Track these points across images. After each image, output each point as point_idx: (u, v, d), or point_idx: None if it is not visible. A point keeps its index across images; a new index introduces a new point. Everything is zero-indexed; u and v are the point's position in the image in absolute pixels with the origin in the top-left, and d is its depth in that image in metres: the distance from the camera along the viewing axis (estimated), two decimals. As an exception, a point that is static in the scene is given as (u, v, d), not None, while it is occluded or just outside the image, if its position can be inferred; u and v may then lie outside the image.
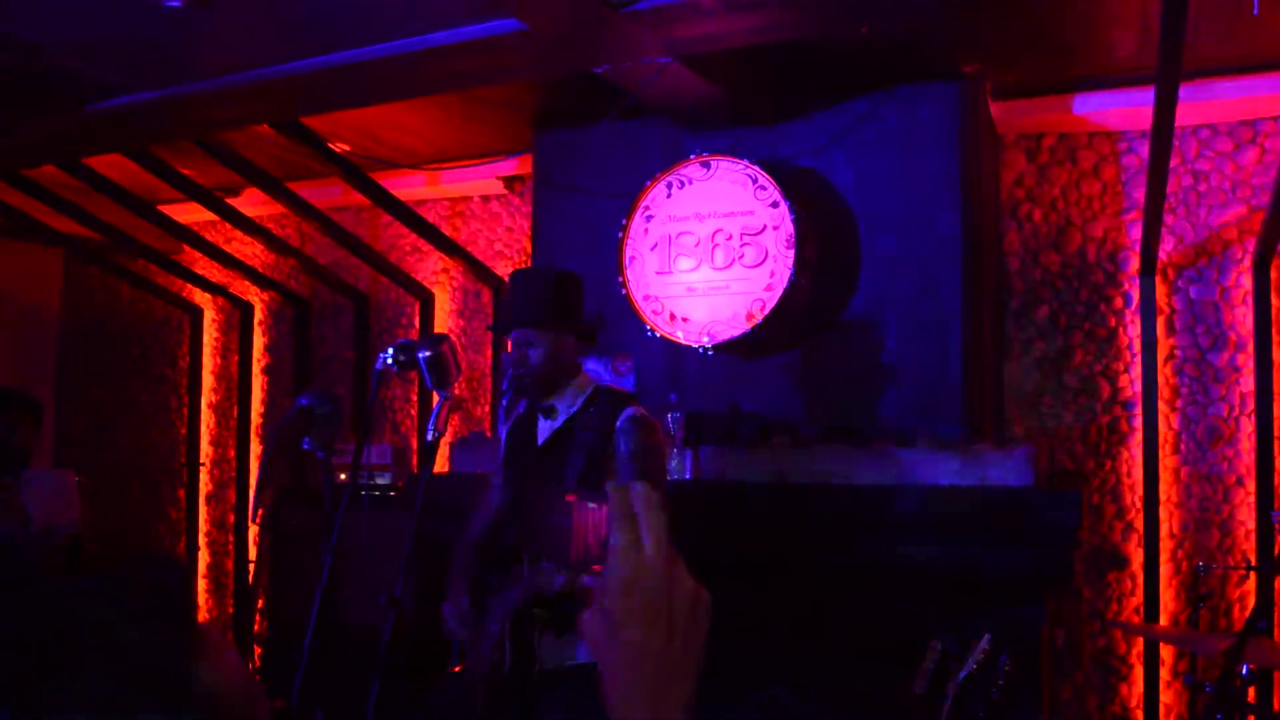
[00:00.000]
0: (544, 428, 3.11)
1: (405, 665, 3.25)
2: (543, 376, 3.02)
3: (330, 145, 4.99)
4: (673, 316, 4.43)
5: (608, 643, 0.95)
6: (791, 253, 4.15)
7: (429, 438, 2.76)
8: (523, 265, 5.72)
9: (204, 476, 6.71)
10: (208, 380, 6.77)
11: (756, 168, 4.23)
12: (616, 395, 3.06)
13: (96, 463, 6.88)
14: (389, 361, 2.73)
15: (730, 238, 4.32)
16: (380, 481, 5.14)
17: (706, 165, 4.38)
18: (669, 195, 4.47)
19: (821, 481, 3.87)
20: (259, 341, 6.58)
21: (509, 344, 3.14)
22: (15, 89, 4.46)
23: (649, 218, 4.52)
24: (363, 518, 3.60)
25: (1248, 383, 4.29)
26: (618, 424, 2.96)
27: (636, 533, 0.97)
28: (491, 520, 3.23)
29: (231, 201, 5.83)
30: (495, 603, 2.93)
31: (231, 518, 6.56)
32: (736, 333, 4.23)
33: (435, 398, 2.88)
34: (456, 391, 3.26)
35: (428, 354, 2.70)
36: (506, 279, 5.70)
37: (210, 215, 5.94)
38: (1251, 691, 3.41)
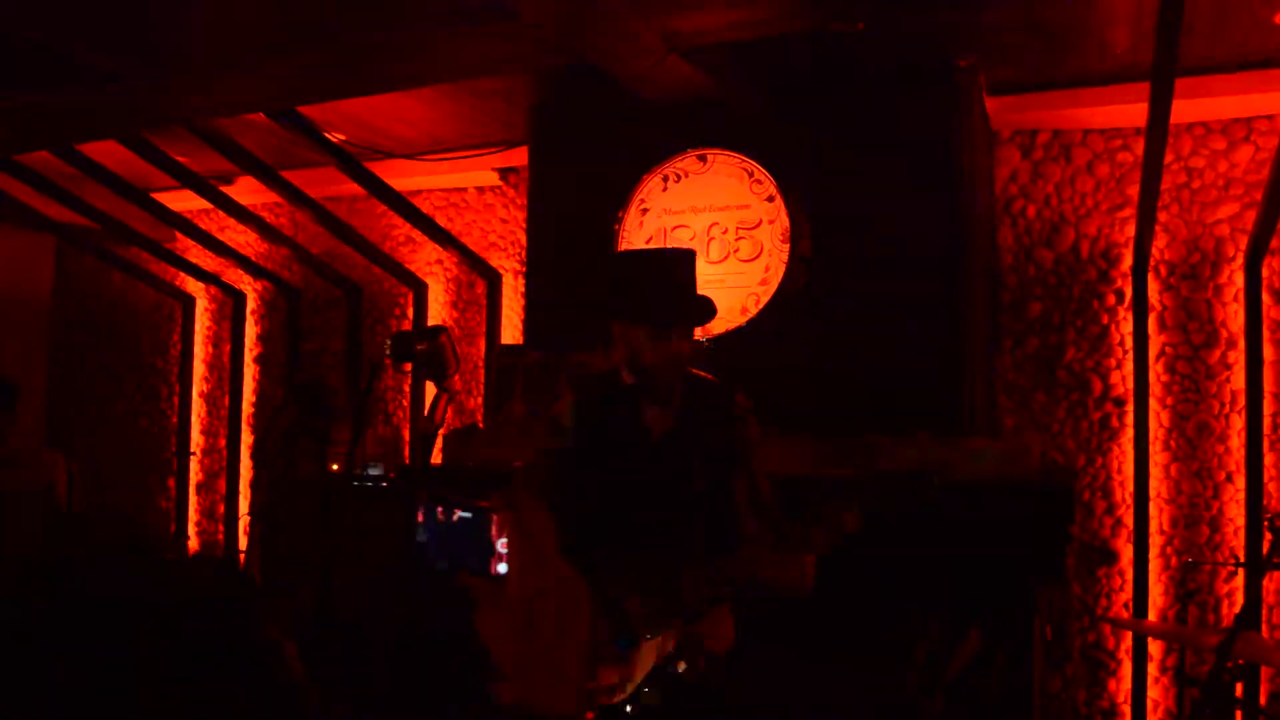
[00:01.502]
0: (653, 418, 2.74)
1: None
2: (685, 371, 2.73)
3: (326, 134, 4.98)
4: (667, 309, 4.42)
5: (513, 638, 0.98)
6: (787, 247, 4.16)
7: (426, 429, 2.75)
8: (517, 257, 5.72)
9: (194, 466, 6.70)
10: (199, 369, 6.76)
11: (753, 162, 4.24)
12: (711, 381, 2.79)
13: (86, 451, 6.86)
14: (387, 354, 2.73)
15: (726, 231, 4.33)
16: (372, 472, 5.13)
17: (703, 159, 4.38)
18: (665, 188, 4.48)
19: (812, 474, 3.87)
20: (251, 331, 6.56)
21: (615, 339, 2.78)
22: (8, 73, 4.44)
23: (644, 211, 4.52)
24: (356, 508, 3.60)
25: (1238, 380, 4.32)
26: (734, 415, 2.74)
27: (538, 551, 1.00)
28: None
29: (225, 190, 5.81)
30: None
31: (221, 508, 6.55)
32: (732, 326, 4.23)
33: (431, 389, 2.88)
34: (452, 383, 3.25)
35: (426, 346, 2.70)
36: (502, 272, 5.73)
37: (203, 203, 5.92)
38: (1239, 687, 3.44)
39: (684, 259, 2.80)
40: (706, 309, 2.74)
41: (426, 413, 2.73)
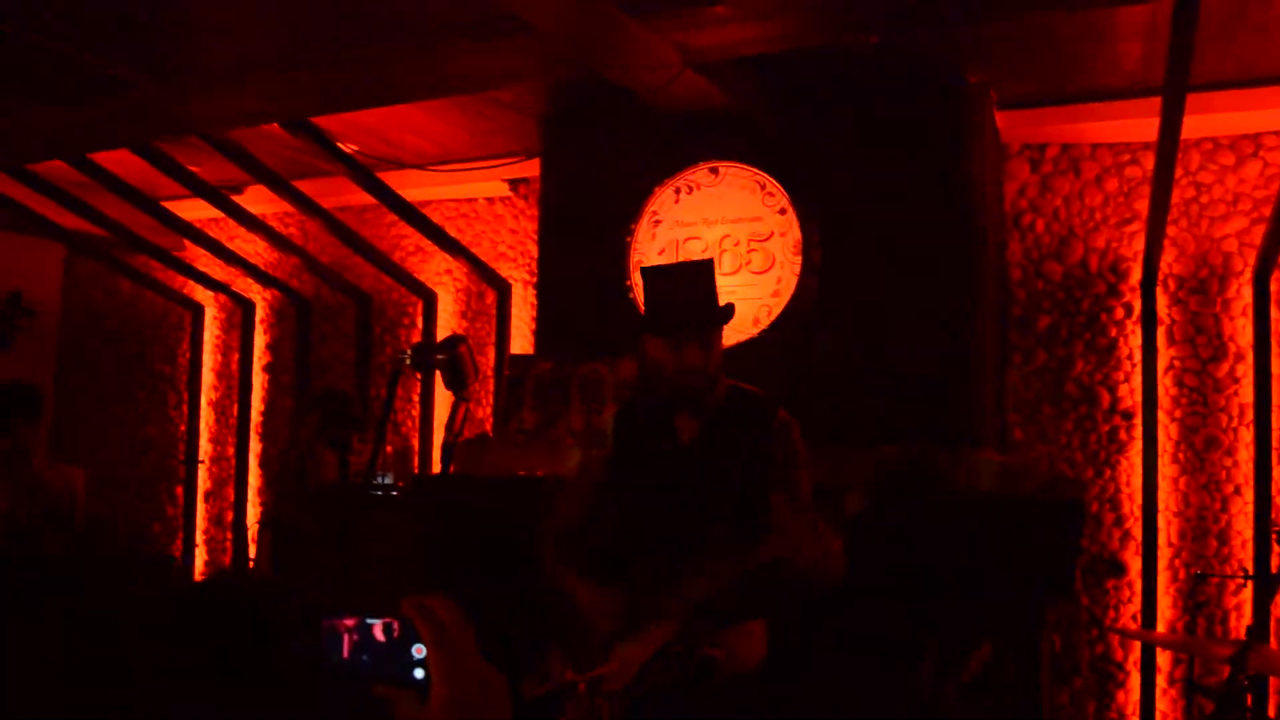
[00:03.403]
0: (685, 427, 2.81)
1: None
2: (713, 380, 2.78)
3: (338, 144, 5.01)
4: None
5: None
6: (799, 259, 4.19)
7: (446, 439, 2.78)
8: (526, 267, 5.74)
9: (202, 474, 6.71)
10: (208, 378, 6.77)
11: (765, 174, 4.27)
12: (751, 391, 2.85)
13: (94, 459, 6.87)
14: (407, 362, 2.75)
15: (738, 244, 4.36)
16: (383, 481, 5.15)
17: (715, 171, 4.41)
18: (677, 200, 4.50)
19: (821, 485, 3.89)
20: (260, 340, 6.59)
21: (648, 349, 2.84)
22: (23, 83, 4.47)
23: (657, 223, 4.55)
24: (368, 517, 3.62)
25: (1247, 394, 4.34)
26: (774, 425, 2.77)
27: (453, 652, 1.02)
28: (594, 516, 2.90)
29: (235, 198, 5.84)
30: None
31: (230, 516, 6.56)
32: (743, 337, 4.26)
33: (439, 399, 2.90)
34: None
35: (446, 356, 2.73)
36: (511, 282, 5.75)
37: (213, 212, 5.95)
38: (1249, 698, 3.45)
39: (696, 270, 2.89)
40: (711, 315, 2.79)
41: (447, 423, 2.75)
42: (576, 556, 2.85)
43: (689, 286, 2.82)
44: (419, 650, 1.08)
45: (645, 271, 2.85)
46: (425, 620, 1.03)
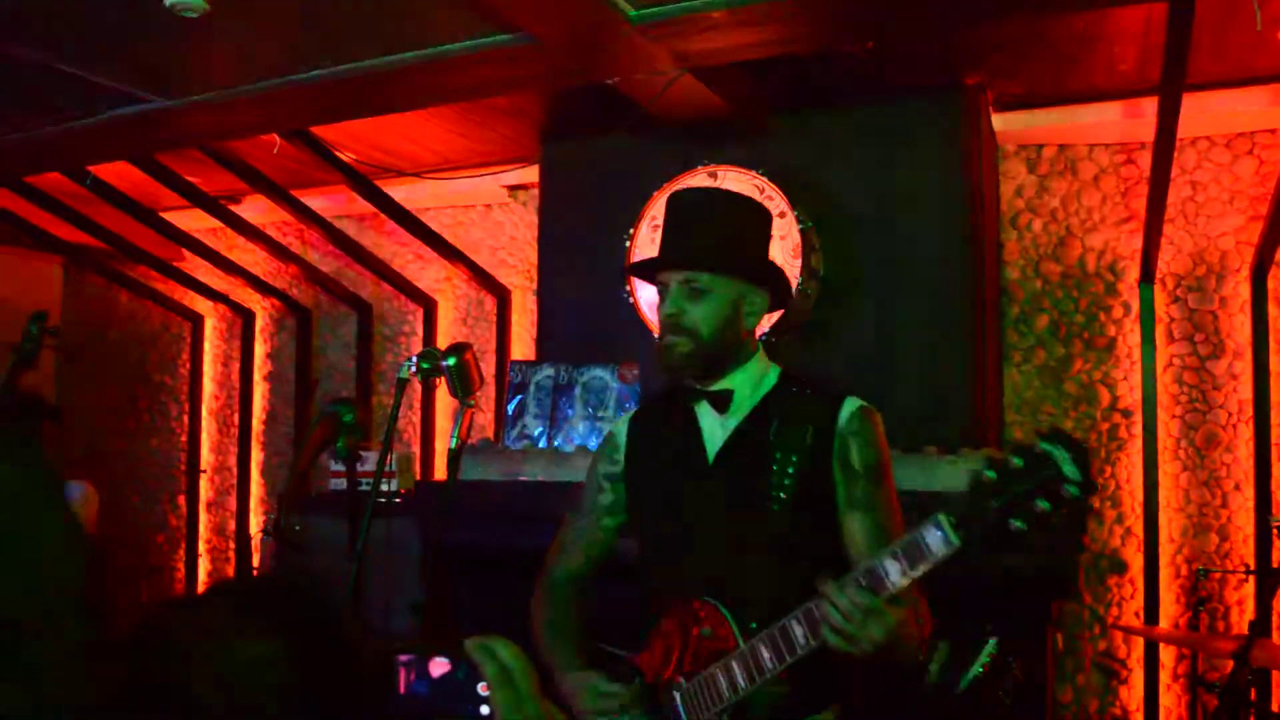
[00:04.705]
0: (714, 431, 2.17)
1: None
2: (711, 348, 2.09)
3: (337, 153, 5.02)
4: (679, 325, 4.47)
5: None
6: (799, 262, 4.20)
7: (452, 445, 2.78)
8: (526, 273, 5.76)
9: (204, 483, 6.72)
10: (209, 388, 6.79)
11: (764, 178, 4.28)
12: (815, 377, 2.21)
13: (95, 471, 6.88)
14: (413, 370, 2.76)
15: (737, 247, 4.37)
16: (385, 488, 5.16)
17: (713, 175, 4.43)
18: (676, 205, 4.52)
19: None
20: (260, 349, 6.60)
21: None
22: (23, 96, 4.48)
23: (655, 227, 4.55)
24: (375, 525, 3.62)
25: (1245, 390, 4.37)
26: (840, 420, 2.09)
27: (515, 691, 1.04)
28: (580, 571, 2.38)
29: (233, 208, 5.85)
30: (670, 693, 2.04)
31: (232, 525, 6.57)
32: (744, 341, 4.27)
33: (441, 406, 2.91)
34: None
35: (452, 363, 2.74)
36: (510, 288, 5.77)
37: (212, 222, 5.96)
38: (1253, 692, 3.47)
39: (720, 199, 2.23)
40: (712, 251, 2.08)
41: (453, 429, 2.76)
42: (555, 596, 2.36)
43: (702, 217, 2.14)
44: (484, 688, 1.09)
45: (669, 199, 2.23)
46: (488, 661, 1.05)
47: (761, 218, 2.21)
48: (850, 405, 2.12)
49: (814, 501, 2.06)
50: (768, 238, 2.22)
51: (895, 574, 1.75)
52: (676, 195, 2.23)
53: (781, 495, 2.02)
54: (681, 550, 2.15)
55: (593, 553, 2.38)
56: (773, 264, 2.24)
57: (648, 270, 2.21)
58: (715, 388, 2.15)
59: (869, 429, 2.11)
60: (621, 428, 2.36)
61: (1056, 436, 1.66)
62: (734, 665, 1.94)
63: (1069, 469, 1.63)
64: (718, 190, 2.34)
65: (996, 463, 1.68)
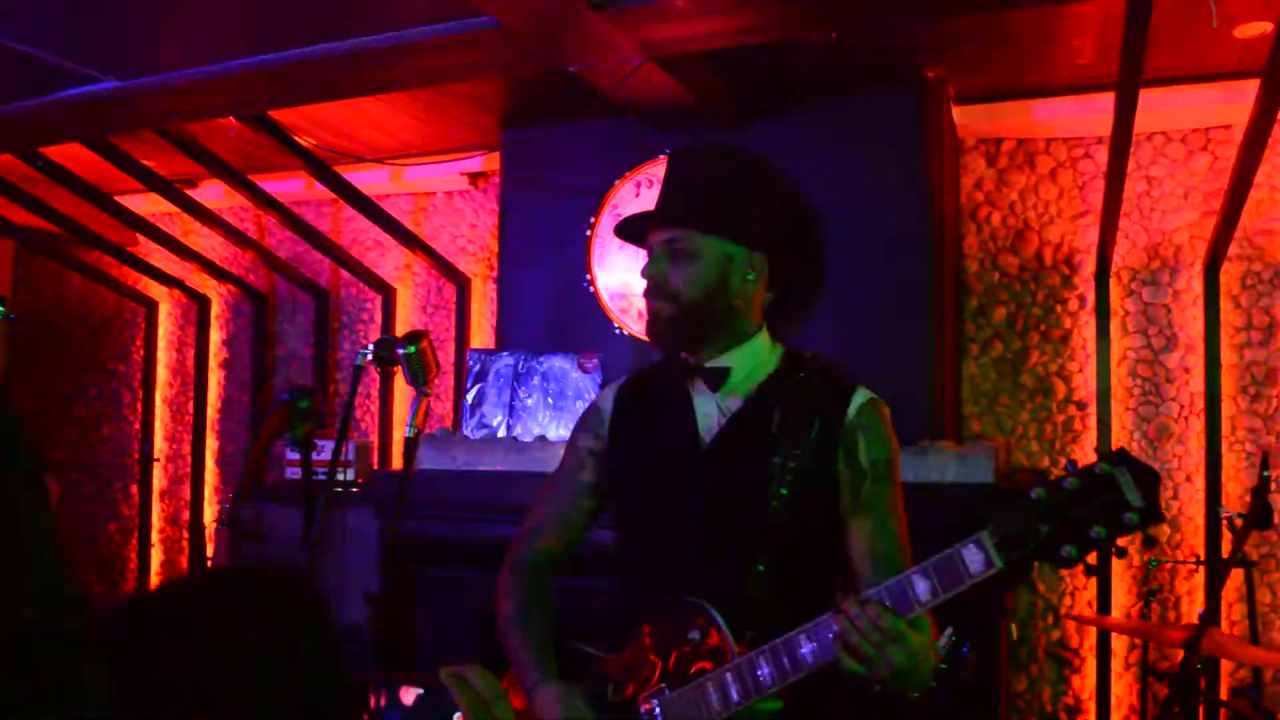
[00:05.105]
0: (709, 412, 1.97)
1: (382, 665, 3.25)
2: (696, 313, 1.92)
3: (295, 139, 4.96)
4: (640, 314, 4.46)
5: None
6: (759, 252, 4.20)
7: (409, 434, 2.75)
8: (486, 262, 5.73)
9: (158, 472, 6.63)
10: (163, 374, 6.69)
11: (725, 168, 4.28)
12: (824, 364, 2.04)
13: (46, 459, 6.76)
14: (369, 358, 2.73)
15: (699, 237, 4.36)
16: (341, 478, 5.12)
17: (675, 165, 4.42)
18: (638, 194, 4.51)
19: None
20: (216, 336, 6.51)
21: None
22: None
23: (617, 216, 4.55)
24: (331, 515, 3.59)
25: (1198, 383, 4.43)
26: (849, 413, 1.93)
27: (491, 715, 1.03)
28: (553, 555, 2.15)
29: (189, 193, 5.77)
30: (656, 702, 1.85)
31: (186, 514, 6.49)
32: (704, 331, 4.27)
33: (398, 395, 2.88)
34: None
35: (409, 350, 2.70)
36: (470, 276, 5.73)
37: (167, 207, 5.88)
38: (1202, 681, 3.53)
39: (716, 153, 2.05)
40: (697, 207, 1.93)
41: (410, 418, 2.73)
42: (526, 582, 2.12)
43: (692, 174, 2.00)
44: (460, 718, 1.08)
45: (670, 155, 2.07)
46: (463, 690, 1.03)
47: (767, 176, 2.05)
48: (860, 397, 1.96)
49: (816, 500, 1.89)
50: (776, 199, 2.03)
51: (925, 594, 1.61)
52: (674, 152, 2.07)
53: (783, 491, 1.84)
54: (670, 544, 1.95)
55: (570, 535, 2.15)
56: (767, 224, 2.01)
57: (638, 233, 2.04)
58: (712, 364, 1.95)
59: (879, 424, 1.94)
60: (608, 398, 2.13)
61: (1121, 459, 1.53)
62: (727, 678, 1.75)
63: (1131, 495, 1.51)
64: (719, 145, 2.09)
65: (1049, 483, 1.56)
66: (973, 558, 1.58)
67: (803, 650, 1.69)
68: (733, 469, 1.91)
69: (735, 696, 1.74)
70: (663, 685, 1.84)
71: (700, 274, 1.92)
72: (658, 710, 1.84)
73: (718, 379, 1.95)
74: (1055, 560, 1.56)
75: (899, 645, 1.59)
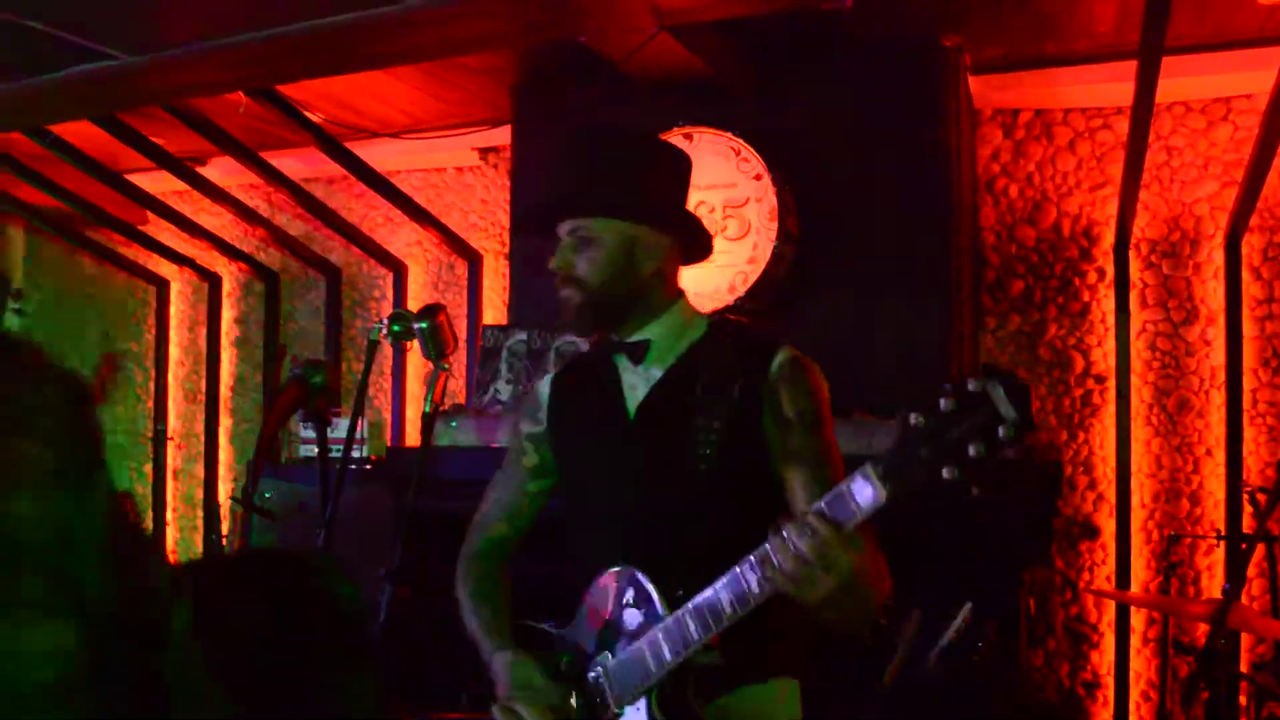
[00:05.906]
0: (634, 384, 2.04)
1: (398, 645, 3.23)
2: (602, 298, 1.97)
3: (305, 114, 4.92)
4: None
5: None
6: (775, 225, 4.16)
7: (426, 410, 2.73)
8: (498, 237, 5.69)
9: (171, 451, 6.63)
10: (174, 353, 6.68)
11: (740, 140, 4.23)
12: (747, 328, 2.15)
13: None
14: (384, 333, 2.71)
15: (713, 210, 4.32)
16: (356, 455, 5.10)
17: (689, 137, 4.37)
18: (650, 168, 4.46)
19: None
20: (228, 314, 6.50)
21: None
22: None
23: (630, 190, 4.51)
24: (346, 492, 3.56)
25: (1218, 356, 4.38)
26: (770, 370, 1.94)
27: None
28: (503, 540, 2.27)
29: (200, 170, 5.74)
30: (603, 669, 1.92)
31: (200, 493, 6.49)
32: (720, 305, 4.23)
33: (413, 370, 2.86)
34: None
35: (426, 324, 2.68)
36: (483, 252, 5.70)
37: (178, 184, 5.85)
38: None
39: (590, 137, 2.07)
40: (588, 194, 1.98)
41: (427, 394, 2.71)
42: (478, 569, 2.23)
43: (584, 154, 2.04)
44: None
45: (555, 143, 2.12)
46: None
47: (658, 153, 2.09)
48: (782, 354, 1.97)
49: (745, 461, 1.92)
50: (668, 175, 2.05)
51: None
52: (564, 136, 2.08)
53: (707, 452, 1.87)
54: (606, 515, 2.03)
55: (518, 522, 2.25)
56: (674, 203, 2.05)
57: (544, 225, 2.05)
58: (632, 339, 2.01)
59: (802, 376, 1.95)
60: (545, 384, 2.21)
61: (991, 372, 1.47)
62: (660, 638, 1.79)
63: (1005, 408, 1.45)
64: (608, 127, 2.18)
65: (925, 406, 1.50)
66: (860, 490, 1.57)
67: (721, 600, 1.71)
68: (658, 435, 1.98)
69: (668, 655, 1.78)
70: (606, 652, 1.91)
71: (605, 258, 1.96)
72: (601, 679, 1.91)
73: (639, 352, 2.01)
74: (940, 484, 1.50)
75: (826, 568, 1.57)
